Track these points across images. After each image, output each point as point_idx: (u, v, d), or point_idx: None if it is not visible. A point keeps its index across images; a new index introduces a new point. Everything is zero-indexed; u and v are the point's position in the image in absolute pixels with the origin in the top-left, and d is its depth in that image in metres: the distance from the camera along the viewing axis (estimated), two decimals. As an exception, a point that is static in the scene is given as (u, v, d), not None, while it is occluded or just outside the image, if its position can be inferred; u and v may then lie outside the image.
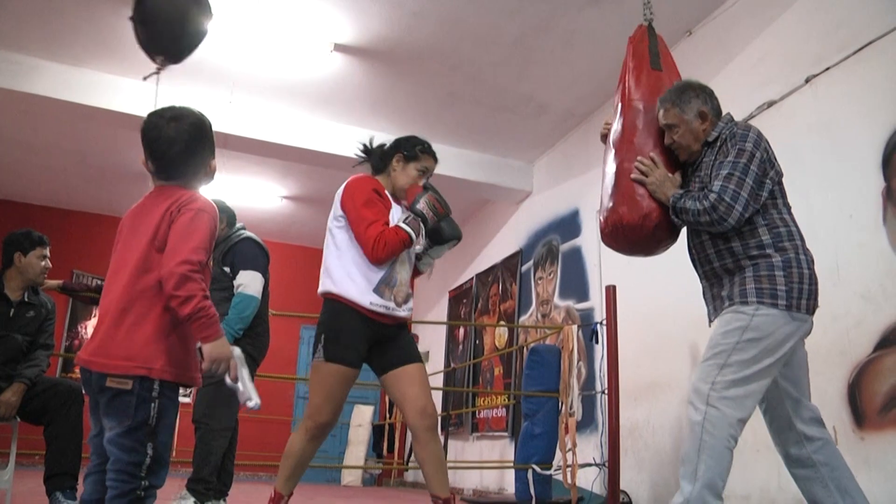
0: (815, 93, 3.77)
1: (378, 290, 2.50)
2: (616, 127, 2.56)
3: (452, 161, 6.64)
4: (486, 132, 6.56)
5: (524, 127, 6.43)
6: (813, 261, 2.27)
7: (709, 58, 4.62)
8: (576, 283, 5.99)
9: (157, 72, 2.61)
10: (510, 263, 7.39)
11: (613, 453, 4.10)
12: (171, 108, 1.84)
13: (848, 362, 3.31)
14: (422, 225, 2.56)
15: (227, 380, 1.74)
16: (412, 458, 8.16)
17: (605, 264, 5.48)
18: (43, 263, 3.33)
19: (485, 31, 5.02)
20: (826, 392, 3.25)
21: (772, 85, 4.07)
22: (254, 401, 1.77)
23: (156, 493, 1.69)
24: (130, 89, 5.70)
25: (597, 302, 5.52)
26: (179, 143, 1.80)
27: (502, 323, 7.23)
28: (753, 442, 3.47)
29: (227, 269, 3.47)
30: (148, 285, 1.71)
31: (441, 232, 2.67)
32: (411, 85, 5.80)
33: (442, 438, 7.73)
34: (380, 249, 2.45)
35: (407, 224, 2.51)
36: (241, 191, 7.97)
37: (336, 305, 2.50)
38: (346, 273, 2.51)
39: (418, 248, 2.72)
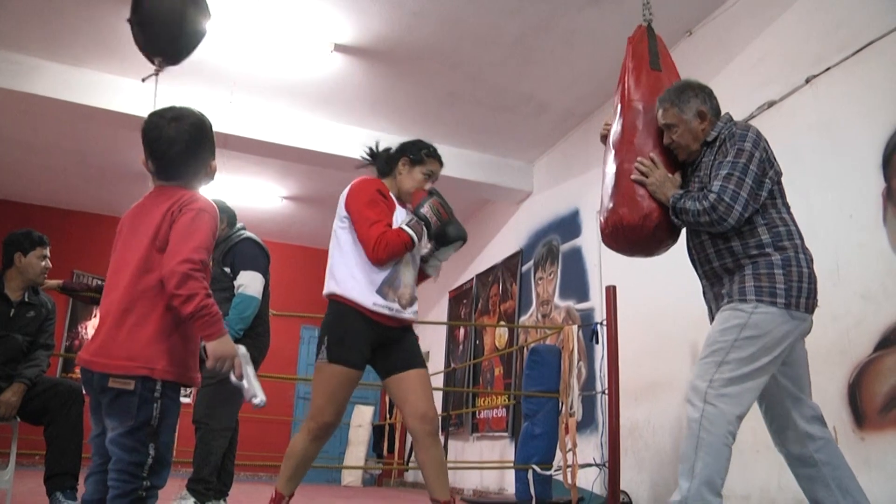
0: (815, 93, 3.77)
1: (381, 292, 2.50)
2: (616, 128, 2.56)
3: (452, 161, 6.59)
4: (487, 132, 6.56)
5: (524, 127, 6.43)
6: (812, 260, 2.27)
7: (709, 58, 4.62)
8: (576, 284, 5.99)
9: (156, 73, 2.61)
10: (510, 263, 7.39)
11: (614, 453, 4.10)
12: (172, 109, 1.84)
13: (848, 362, 3.31)
14: (424, 229, 2.57)
15: (232, 377, 1.74)
16: (412, 458, 8.16)
17: (605, 264, 5.48)
18: (43, 263, 3.33)
19: (485, 31, 5.02)
20: (826, 392, 3.25)
21: (772, 85, 4.07)
22: (259, 398, 1.77)
23: (157, 493, 1.69)
24: (130, 89, 5.70)
25: (597, 302, 5.52)
26: (180, 144, 1.80)
27: (502, 323, 7.24)
28: (753, 442, 3.47)
29: (227, 270, 3.47)
30: (149, 285, 1.71)
31: (447, 233, 2.68)
32: (411, 85, 5.80)
33: (442, 439, 7.73)
34: (381, 250, 2.45)
35: (409, 227, 2.52)
36: (241, 191, 7.97)
37: (340, 307, 2.50)
38: (349, 274, 2.51)
39: (424, 251, 2.73)
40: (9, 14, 5.02)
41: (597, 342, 4.82)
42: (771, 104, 4.05)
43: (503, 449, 6.69)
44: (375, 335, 2.52)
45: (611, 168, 2.51)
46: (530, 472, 4.55)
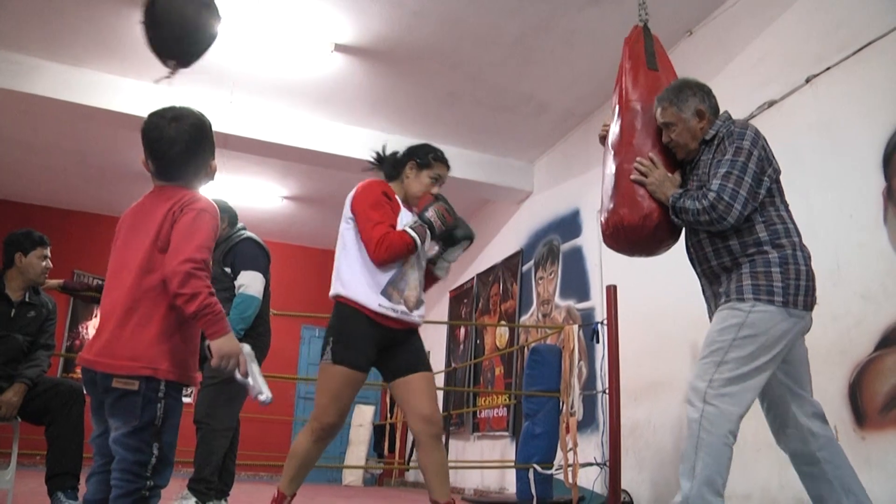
0: (815, 93, 3.77)
1: (386, 293, 2.50)
2: (614, 128, 2.57)
3: (453, 161, 6.49)
4: (487, 132, 6.56)
5: (524, 127, 6.43)
6: (810, 257, 2.27)
7: (709, 58, 4.62)
8: (576, 283, 5.99)
9: (170, 76, 2.60)
10: (511, 263, 7.39)
11: (614, 453, 4.10)
12: (172, 109, 1.84)
13: (848, 362, 3.31)
14: (428, 232, 2.57)
15: (238, 375, 1.74)
16: (413, 457, 8.17)
17: (605, 264, 5.48)
18: (44, 263, 3.33)
19: (485, 31, 5.02)
20: (827, 392, 3.25)
21: (772, 85, 4.07)
22: (265, 395, 1.77)
23: (160, 492, 1.69)
24: (130, 89, 5.71)
25: (597, 301, 5.52)
26: (180, 144, 1.80)
27: (503, 323, 7.24)
28: (754, 441, 3.47)
29: (227, 270, 3.47)
30: (152, 285, 1.71)
31: (454, 233, 2.69)
32: (411, 85, 5.81)
33: (443, 438, 7.73)
34: (382, 250, 2.45)
35: (413, 229, 2.52)
36: (241, 191, 7.97)
37: (346, 309, 2.50)
38: (354, 275, 2.51)
39: (431, 253, 2.73)
40: (9, 14, 5.02)
41: (597, 342, 4.82)
42: (771, 104, 4.06)
43: (504, 448, 6.69)
44: (380, 337, 2.52)
45: (610, 169, 2.51)
46: (531, 471, 4.55)
